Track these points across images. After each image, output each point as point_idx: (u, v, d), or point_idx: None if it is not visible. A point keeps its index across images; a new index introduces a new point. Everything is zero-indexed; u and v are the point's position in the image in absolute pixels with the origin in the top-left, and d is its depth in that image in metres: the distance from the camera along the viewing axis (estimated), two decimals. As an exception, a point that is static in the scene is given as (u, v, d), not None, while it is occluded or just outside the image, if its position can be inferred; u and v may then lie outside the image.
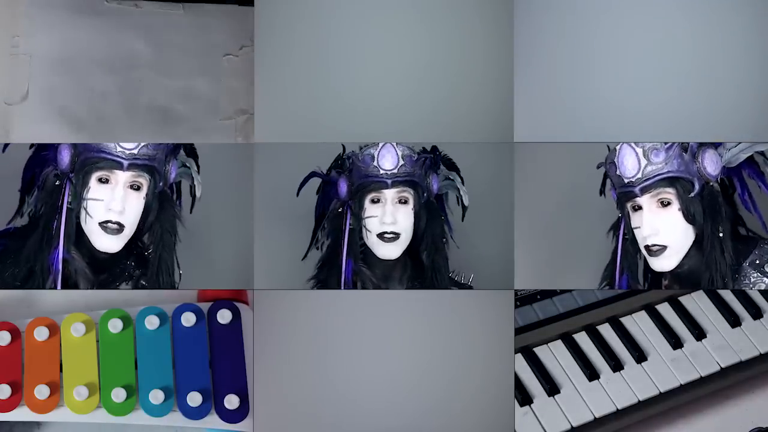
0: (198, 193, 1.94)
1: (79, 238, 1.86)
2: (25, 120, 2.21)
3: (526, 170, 2.06)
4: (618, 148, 1.85)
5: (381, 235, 1.91)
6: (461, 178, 1.99)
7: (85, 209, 1.84)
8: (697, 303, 2.09)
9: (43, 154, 1.89)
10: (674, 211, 1.82)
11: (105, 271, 1.90)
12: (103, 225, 1.83)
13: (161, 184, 1.89)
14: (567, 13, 2.11)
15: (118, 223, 1.83)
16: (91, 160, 1.84)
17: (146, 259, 1.92)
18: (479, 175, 2.03)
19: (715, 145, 1.84)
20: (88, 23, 2.29)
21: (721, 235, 1.80)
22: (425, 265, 1.97)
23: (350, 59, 2.09)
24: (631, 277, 1.92)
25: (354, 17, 2.15)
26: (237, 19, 2.33)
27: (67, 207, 1.85)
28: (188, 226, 1.94)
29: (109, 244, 1.84)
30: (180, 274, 1.92)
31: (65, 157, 1.86)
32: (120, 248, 1.86)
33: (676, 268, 1.85)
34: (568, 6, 2.11)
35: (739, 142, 1.85)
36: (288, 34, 2.14)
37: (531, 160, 2.07)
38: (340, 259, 1.94)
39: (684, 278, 1.87)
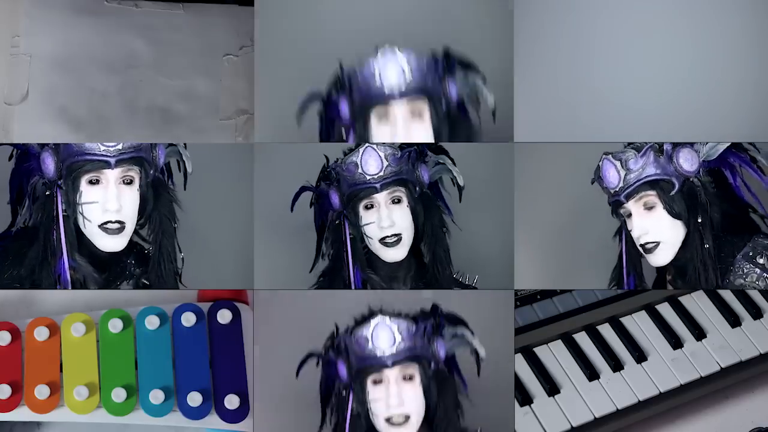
0: (189, 168, 1.91)
1: (80, 242, 1.84)
2: (25, 120, 2.21)
3: (526, 170, 2.06)
4: (601, 164, 1.88)
5: (383, 240, 1.90)
6: (451, 159, 1.97)
7: (82, 214, 1.81)
8: (697, 303, 2.09)
9: (25, 166, 1.85)
10: (659, 210, 1.85)
11: (106, 270, 1.89)
12: (103, 227, 1.81)
13: (152, 171, 1.87)
14: (567, 12, 2.11)
15: (119, 222, 1.82)
16: (77, 164, 1.80)
17: (146, 255, 1.91)
18: (479, 175, 2.03)
19: (691, 144, 1.86)
20: (88, 23, 2.29)
21: (701, 228, 1.83)
22: (427, 258, 1.96)
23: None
24: (637, 278, 1.93)
25: (354, 17, 2.15)
26: (237, 19, 2.34)
27: (63, 215, 1.83)
28: (186, 209, 1.91)
29: (112, 243, 1.83)
30: (182, 258, 1.91)
31: (49, 165, 1.82)
32: (124, 246, 1.84)
33: (673, 261, 1.86)
34: (568, 6, 2.12)
35: (707, 142, 1.87)
36: (288, 34, 2.14)
37: (531, 160, 2.07)
38: (345, 269, 1.92)
39: (685, 270, 1.88)
